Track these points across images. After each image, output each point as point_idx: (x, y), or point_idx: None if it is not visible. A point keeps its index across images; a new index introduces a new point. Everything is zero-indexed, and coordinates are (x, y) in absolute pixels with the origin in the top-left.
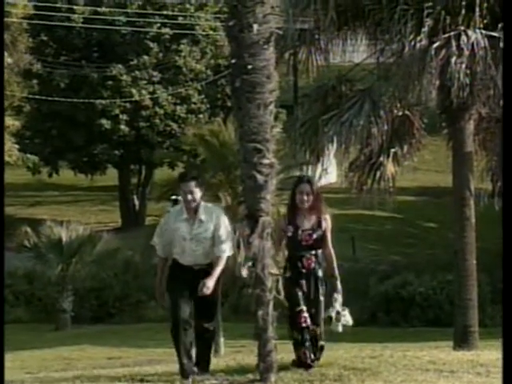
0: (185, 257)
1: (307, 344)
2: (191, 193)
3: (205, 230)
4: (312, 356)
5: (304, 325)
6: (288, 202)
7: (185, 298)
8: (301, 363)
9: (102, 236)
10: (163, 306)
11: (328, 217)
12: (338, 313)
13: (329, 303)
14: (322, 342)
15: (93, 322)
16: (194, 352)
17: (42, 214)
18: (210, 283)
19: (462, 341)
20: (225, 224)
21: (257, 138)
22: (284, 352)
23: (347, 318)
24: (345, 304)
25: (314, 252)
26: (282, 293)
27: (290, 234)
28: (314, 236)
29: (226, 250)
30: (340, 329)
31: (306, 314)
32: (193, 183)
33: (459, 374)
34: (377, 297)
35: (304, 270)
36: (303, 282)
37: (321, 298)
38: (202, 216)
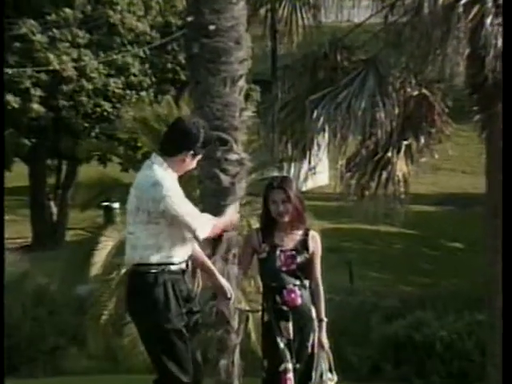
0: (180, 250)
1: None
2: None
3: None
4: None
5: None
6: (261, 214)
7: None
8: None
9: (5, 256)
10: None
11: (317, 235)
12: (321, 376)
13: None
14: None
15: None
16: None
17: None
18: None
19: None
20: None
21: (221, 124)
22: None
23: None
24: (335, 358)
25: (298, 282)
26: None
27: (263, 255)
28: (298, 259)
29: None
30: None
31: (291, 375)
32: None
33: None
34: (381, 342)
35: (286, 308)
36: (286, 324)
37: (310, 348)
38: None
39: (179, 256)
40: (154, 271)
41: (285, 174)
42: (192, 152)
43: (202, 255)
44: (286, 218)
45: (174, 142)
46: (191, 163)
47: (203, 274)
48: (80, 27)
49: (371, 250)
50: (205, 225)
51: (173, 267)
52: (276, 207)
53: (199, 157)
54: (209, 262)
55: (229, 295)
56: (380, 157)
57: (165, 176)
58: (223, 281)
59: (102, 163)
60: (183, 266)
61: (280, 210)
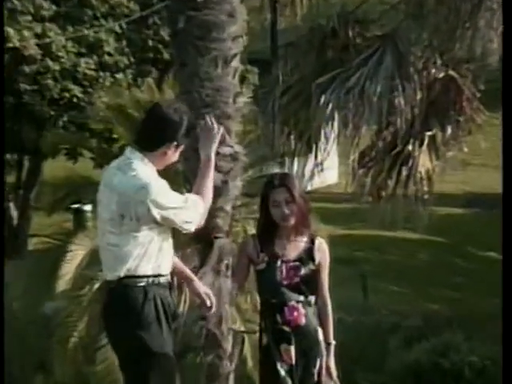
0: (167, 258)
1: None
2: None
3: None
4: None
5: None
6: (259, 218)
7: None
8: None
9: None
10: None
11: (324, 243)
12: None
13: None
14: None
15: None
16: None
17: None
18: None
19: None
20: None
21: (212, 112)
22: None
23: None
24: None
25: (302, 298)
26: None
27: (262, 266)
28: (302, 271)
29: None
30: None
31: None
32: None
33: None
34: (401, 369)
35: (287, 328)
36: (288, 348)
37: (316, 376)
38: None
39: (166, 266)
40: (142, 284)
41: (286, 170)
42: (175, 143)
43: (178, 262)
44: (292, 222)
45: (152, 133)
46: (174, 155)
47: (186, 285)
48: None
49: (389, 260)
50: (199, 208)
51: (162, 279)
52: (279, 209)
53: (182, 147)
54: (186, 268)
55: (209, 303)
56: (399, 150)
57: (149, 175)
58: (203, 287)
59: (72, 158)
60: (169, 278)
61: (284, 213)
